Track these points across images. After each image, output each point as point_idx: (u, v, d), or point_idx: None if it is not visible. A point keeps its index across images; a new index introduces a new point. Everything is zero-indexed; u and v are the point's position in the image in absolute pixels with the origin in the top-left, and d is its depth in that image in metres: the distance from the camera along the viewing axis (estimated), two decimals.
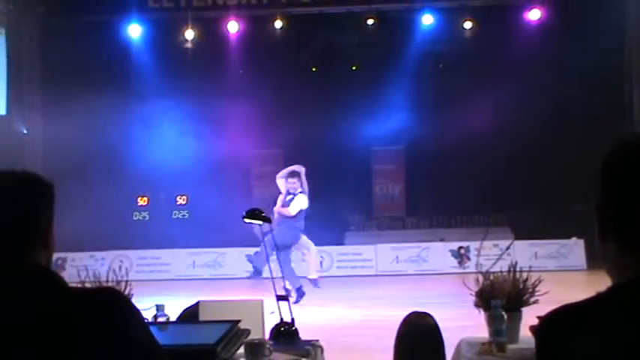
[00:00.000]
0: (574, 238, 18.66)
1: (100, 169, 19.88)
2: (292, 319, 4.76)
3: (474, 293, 4.60)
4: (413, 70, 20.13)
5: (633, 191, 1.79)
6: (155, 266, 19.43)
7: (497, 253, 5.05)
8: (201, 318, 4.55)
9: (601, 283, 1.86)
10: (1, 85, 19.73)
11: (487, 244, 16.80)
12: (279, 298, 5.01)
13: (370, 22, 20.45)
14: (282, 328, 4.68)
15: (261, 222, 5.31)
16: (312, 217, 14.80)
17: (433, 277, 18.11)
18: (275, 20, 20.08)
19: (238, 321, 4.07)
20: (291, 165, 14.49)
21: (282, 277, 13.97)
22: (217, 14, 20.41)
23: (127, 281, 4.72)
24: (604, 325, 1.72)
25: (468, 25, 20.21)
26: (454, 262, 19.00)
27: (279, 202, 14.01)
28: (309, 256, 14.96)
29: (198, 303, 4.68)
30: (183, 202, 21.97)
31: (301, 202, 13.93)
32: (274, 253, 11.47)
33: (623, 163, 1.83)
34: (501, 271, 4.60)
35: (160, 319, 4.48)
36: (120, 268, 5.20)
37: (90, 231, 18.03)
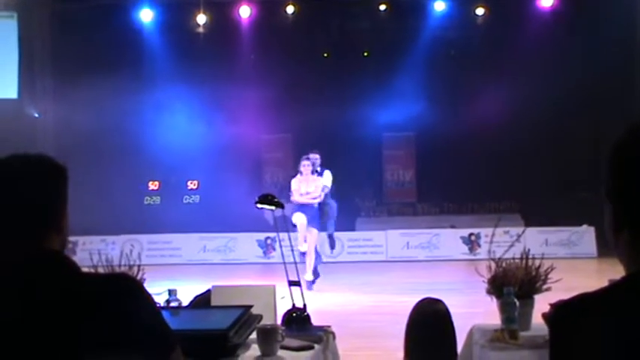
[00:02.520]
0: (585, 226, 18.59)
1: (111, 153, 19.88)
2: (304, 305, 4.75)
3: (485, 280, 4.59)
4: (425, 57, 20.07)
5: None
6: (166, 250, 19.45)
7: (508, 240, 5.03)
8: (214, 303, 4.56)
9: (612, 270, 1.85)
10: (13, 69, 19.74)
11: (497, 230, 16.72)
12: (291, 283, 5.00)
13: (382, 8, 20.42)
14: (294, 314, 4.68)
15: (273, 207, 5.28)
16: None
17: (443, 263, 18.10)
18: (287, 5, 20.06)
19: (250, 306, 4.08)
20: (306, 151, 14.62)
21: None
22: None
23: (139, 265, 4.72)
24: (618, 315, 1.71)
25: (480, 11, 20.22)
26: (465, 248, 18.98)
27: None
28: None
29: (209, 290, 4.68)
30: (194, 187, 21.95)
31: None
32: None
33: (635, 149, 1.81)
34: (513, 258, 4.59)
35: (173, 304, 4.49)
36: (131, 252, 5.18)
37: (101, 215, 18.04)
